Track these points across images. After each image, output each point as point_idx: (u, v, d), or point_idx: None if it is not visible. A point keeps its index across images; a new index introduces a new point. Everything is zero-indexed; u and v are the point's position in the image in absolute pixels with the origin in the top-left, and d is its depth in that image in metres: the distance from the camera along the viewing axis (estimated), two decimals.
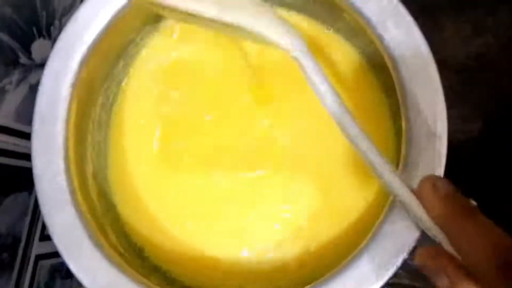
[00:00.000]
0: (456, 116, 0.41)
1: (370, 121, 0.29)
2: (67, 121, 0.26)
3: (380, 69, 0.28)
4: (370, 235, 0.22)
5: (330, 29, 0.31)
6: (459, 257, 0.16)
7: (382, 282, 0.21)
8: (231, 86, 0.31)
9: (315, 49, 0.30)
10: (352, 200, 0.28)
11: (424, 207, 0.17)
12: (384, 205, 0.23)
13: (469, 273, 0.16)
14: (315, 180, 0.29)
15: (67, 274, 0.41)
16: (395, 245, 0.21)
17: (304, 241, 0.28)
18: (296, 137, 0.30)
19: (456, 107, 0.42)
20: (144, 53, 0.33)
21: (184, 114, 0.32)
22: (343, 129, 0.20)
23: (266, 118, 0.30)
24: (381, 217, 0.22)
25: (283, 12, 0.31)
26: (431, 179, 0.17)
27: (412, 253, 0.21)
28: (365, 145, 0.19)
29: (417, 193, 0.18)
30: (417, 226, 0.20)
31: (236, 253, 0.29)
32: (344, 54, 0.30)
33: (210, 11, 0.23)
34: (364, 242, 0.22)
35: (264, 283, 0.28)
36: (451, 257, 0.17)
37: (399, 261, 0.21)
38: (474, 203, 0.18)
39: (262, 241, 0.29)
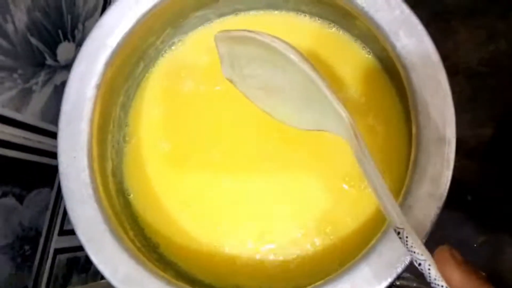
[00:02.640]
0: (468, 121, 0.42)
1: (384, 123, 0.29)
2: (91, 120, 0.27)
3: (394, 74, 0.29)
4: (375, 239, 0.23)
5: (346, 34, 0.31)
6: None
7: (385, 284, 0.21)
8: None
9: (332, 53, 0.31)
10: (360, 205, 0.29)
11: (443, 271, 0.18)
12: None
13: None
14: (325, 185, 0.30)
15: (83, 269, 0.42)
16: (397, 250, 0.22)
17: (314, 241, 0.29)
18: (306, 145, 0.31)
19: (468, 112, 0.42)
20: (164, 57, 0.34)
21: (198, 116, 0.32)
22: (380, 200, 0.21)
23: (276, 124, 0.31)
24: (384, 226, 0.23)
25: (297, 16, 0.32)
26: (447, 248, 0.19)
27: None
28: (396, 214, 0.20)
29: (436, 259, 0.19)
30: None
31: (246, 250, 0.29)
32: (360, 58, 0.31)
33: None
34: (369, 245, 0.23)
35: (273, 281, 0.29)
36: None
37: (403, 265, 0.22)
38: (483, 273, 0.19)
39: (274, 240, 0.29)
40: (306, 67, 0.21)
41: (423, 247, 0.19)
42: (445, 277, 0.18)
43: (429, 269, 0.18)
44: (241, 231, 0.30)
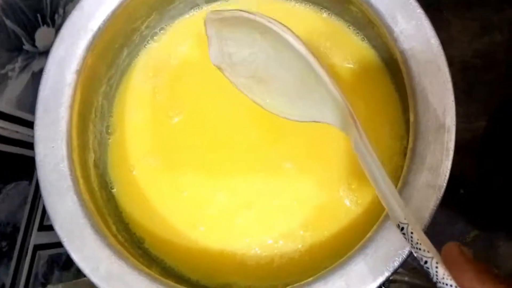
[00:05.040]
0: (462, 114, 0.41)
1: (379, 112, 0.28)
2: (71, 107, 0.26)
3: (389, 60, 0.28)
4: (370, 233, 0.22)
5: (338, 20, 0.30)
6: None
7: (381, 279, 0.20)
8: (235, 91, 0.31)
9: (324, 39, 0.30)
10: (355, 200, 0.28)
11: (452, 269, 0.17)
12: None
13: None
14: (319, 181, 0.29)
15: (65, 266, 0.40)
16: (394, 244, 0.21)
17: (304, 239, 0.28)
18: (299, 140, 0.30)
19: (462, 105, 0.42)
20: (147, 48, 0.33)
21: (184, 111, 0.31)
22: (381, 193, 0.19)
23: (273, 130, 0.30)
24: (382, 216, 0.22)
25: (287, 2, 0.31)
26: (456, 244, 0.18)
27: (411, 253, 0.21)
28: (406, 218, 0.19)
29: (445, 256, 0.17)
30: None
31: (236, 247, 0.29)
32: (354, 45, 0.30)
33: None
34: (364, 240, 0.22)
35: (263, 279, 0.28)
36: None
37: (400, 259, 0.21)
38: (496, 271, 0.18)
39: (264, 237, 0.28)
40: (304, 51, 0.20)
41: (429, 244, 0.18)
42: (454, 276, 0.16)
43: (436, 267, 0.17)
44: (230, 228, 0.29)
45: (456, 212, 0.41)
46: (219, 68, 0.24)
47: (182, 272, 0.29)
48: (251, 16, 0.20)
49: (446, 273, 0.17)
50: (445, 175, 0.21)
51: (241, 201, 0.29)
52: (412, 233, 0.18)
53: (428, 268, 0.17)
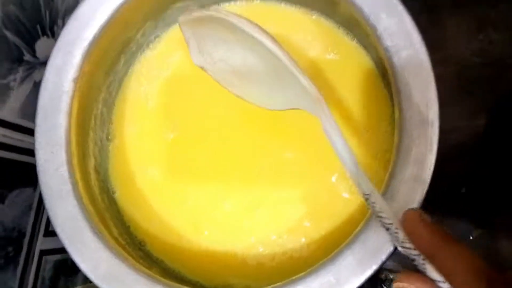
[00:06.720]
0: (461, 113, 0.41)
1: (373, 111, 0.29)
2: (69, 114, 0.26)
3: (378, 61, 0.28)
4: (358, 228, 0.22)
5: (328, 21, 0.31)
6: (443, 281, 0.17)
7: (369, 272, 0.21)
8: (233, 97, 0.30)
9: (315, 40, 0.31)
10: (349, 188, 0.28)
11: (411, 234, 0.18)
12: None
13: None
14: (316, 171, 0.29)
15: (72, 271, 0.41)
16: (382, 237, 0.21)
17: (307, 231, 0.28)
18: (294, 135, 0.30)
19: (461, 104, 0.42)
20: (144, 55, 0.33)
21: (185, 117, 0.32)
22: (347, 169, 0.21)
23: (266, 129, 0.31)
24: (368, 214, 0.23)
25: (277, 5, 0.32)
26: (417, 211, 0.19)
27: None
28: (368, 187, 0.20)
29: (404, 222, 0.19)
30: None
31: (235, 248, 0.29)
32: (344, 45, 0.30)
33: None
34: (352, 234, 0.22)
35: (261, 276, 0.28)
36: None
37: (388, 252, 0.21)
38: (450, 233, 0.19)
39: (261, 239, 0.29)
40: (270, 45, 0.21)
41: (390, 212, 0.19)
42: (414, 238, 0.18)
43: (396, 232, 0.19)
44: (236, 230, 0.29)
45: (459, 211, 0.41)
46: (202, 68, 0.25)
47: (182, 273, 0.29)
48: (218, 15, 0.22)
49: (405, 238, 0.18)
50: (430, 169, 0.21)
51: (247, 205, 0.30)
52: (374, 202, 0.20)
53: (391, 234, 0.19)
